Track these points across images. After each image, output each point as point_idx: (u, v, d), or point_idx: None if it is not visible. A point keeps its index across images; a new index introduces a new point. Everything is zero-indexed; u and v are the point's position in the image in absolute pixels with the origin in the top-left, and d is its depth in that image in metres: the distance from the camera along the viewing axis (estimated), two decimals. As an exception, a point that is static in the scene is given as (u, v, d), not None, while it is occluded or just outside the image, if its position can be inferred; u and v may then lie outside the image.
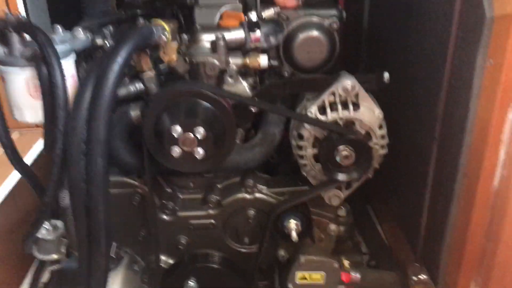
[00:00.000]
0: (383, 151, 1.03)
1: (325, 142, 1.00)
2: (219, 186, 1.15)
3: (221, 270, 1.15)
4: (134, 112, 1.00)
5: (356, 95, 1.00)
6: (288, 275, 1.06)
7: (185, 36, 1.02)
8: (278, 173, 1.19)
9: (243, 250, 1.18)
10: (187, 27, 1.14)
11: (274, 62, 1.01)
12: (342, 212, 1.19)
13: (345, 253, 1.21)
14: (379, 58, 1.29)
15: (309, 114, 1.00)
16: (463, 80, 0.86)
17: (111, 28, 1.09)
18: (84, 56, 1.01)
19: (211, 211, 1.13)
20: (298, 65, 1.05)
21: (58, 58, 0.87)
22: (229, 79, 0.97)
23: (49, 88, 0.88)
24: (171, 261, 1.17)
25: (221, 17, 1.07)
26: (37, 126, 0.95)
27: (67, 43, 0.94)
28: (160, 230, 1.12)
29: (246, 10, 1.05)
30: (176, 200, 1.14)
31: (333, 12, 1.06)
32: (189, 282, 1.13)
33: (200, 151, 0.92)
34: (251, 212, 1.14)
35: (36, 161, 1.37)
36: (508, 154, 0.83)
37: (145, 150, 0.97)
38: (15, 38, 0.88)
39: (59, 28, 0.97)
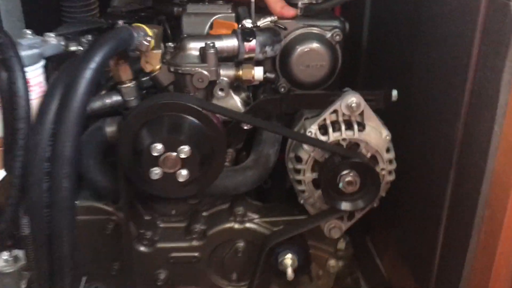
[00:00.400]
0: (390, 178, 0.92)
1: (326, 166, 0.89)
2: (204, 214, 1.03)
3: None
4: (110, 128, 0.89)
5: (361, 114, 0.89)
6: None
7: (170, 44, 0.91)
8: (272, 200, 1.07)
9: (230, 287, 1.06)
10: (174, 38, 1.03)
11: (270, 76, 0.90)
12: (341, 244, 1.07)
13: (344, 291, 1.10)
14: (380, 74, 1.18)
15: (308, 134, 0.89)
16: (487, 97, 0.76)
17: (89, 37, 0.98)
18: (58, 65, 0.90)
19: (195, 243, 1.01)
20: (296, 80, 0.95)
21: (20, 63, 0.76)
22: (220, 93, 0.86)
23: (9, 97, 0.76)
24: (148, 299, 1.04)
25: (211, 27, 0.96)
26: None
27: (35, 49, 0.83)
28: (136, 263, 0.99)
29: (238, 21, 0.95)
30: (155, 229, 1.02)
31: (335, 23, 0.97)
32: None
33: (183, 173, 0.80)
34: (241, 244, 1.02)
35: None
36: (540, 182, 0.72)
37: (120, 171, 0.85)
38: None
39: (28, 33, 0.86)
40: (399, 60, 1.06)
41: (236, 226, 1.00)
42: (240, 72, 0.87)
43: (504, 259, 0.79)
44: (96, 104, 0.86)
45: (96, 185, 0.93)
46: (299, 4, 0.96)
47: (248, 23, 0.90)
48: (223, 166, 0.86)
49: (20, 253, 0.97)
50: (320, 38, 0.95)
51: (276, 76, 0.93)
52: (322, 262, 1.02)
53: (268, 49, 0.90)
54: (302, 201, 0.96)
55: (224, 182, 0.92)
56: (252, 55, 0.89)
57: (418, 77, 0.99)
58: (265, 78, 0.89)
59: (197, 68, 0.84)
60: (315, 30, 0.95)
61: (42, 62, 0.84)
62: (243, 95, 0.92)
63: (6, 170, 0.83)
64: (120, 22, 0.91)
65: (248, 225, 1.00)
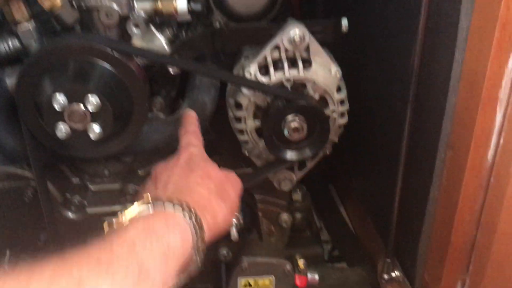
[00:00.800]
0: (342, 121, 0.81)
1: (268, 111, 0.77)
2: (140, 173, 0.91)
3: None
4: (11, 80, 0.74)
5: (307, 49, 0.77)
6: (229, 282, 0.84)
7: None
8: (216, 153, 0.95)
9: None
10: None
11: (197, 7, 0.76)
12: (297, 195, 0.97)
13: (302, 245, 1.01)
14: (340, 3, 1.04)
15: (247, 75, 0.76)
16: (447, 18, 0.64)
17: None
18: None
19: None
20: (231, 11, 0.81)
21: None
22: (134, 30, 0.72)
23: None
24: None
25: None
26: None
27: None
28: (65, 232, 0.88)
29: None
30: (85, 193, 0.90)
31: None
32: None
33: (95, 129, 0.67)
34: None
35: None
36: (508, 116, 0.62)
37: (24, 129, 0.72)
38: None
39: None
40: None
41: (175, 184, 0.89)
42: (159, 4, 0.73)
43: (469, 204, 0.70)
44: (-11, 51, 0.72)
45: (4, 147, 0.80)
46: None
47: None
48: (144, 119, 0.73)
49: None
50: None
51: (206, 9, 0.79)
52: (274, 217, 0.92)
53: (194, -27, 0.76)
54: (246, 153, 0.85)
55: (154, 135, 0.81)
56: (173, -18, 0.75)
57: (372, 3, 0.86)
58: (191, 10, 0.75)
59: (104, 1, 0.70)
60: None
61: None
62: (168, 32, 0.78)
63: None
64: None
65: (188, 182, 0.89)
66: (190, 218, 0.53)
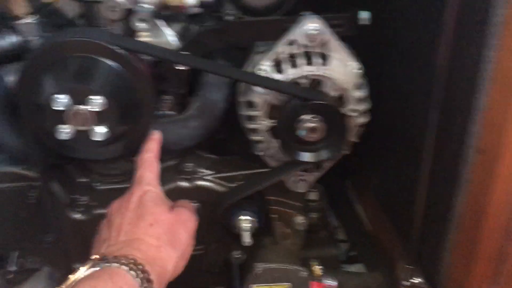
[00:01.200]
0: (363, 120, 0.77)
1: (283, 110, 0.73)
2: (149, 172, 0.87)
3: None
4: (11, 78, 0.71)
5: (324, 44, 0.72)
6: (242, 289, 0.80)
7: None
8: (228, 153, 0.91)
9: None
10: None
11: (208, -1, 0.72)
12: (313, 195, 0.93)
13: (317, 246, 0.97)
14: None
15: (259, 72, 0.72)
16: (475, 9, 0.59)
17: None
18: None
19: (139, 206, 0.86)
20: (244, 3, 0.76)
21: None
22: (140, 25, 0.68)
23: None
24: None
25: None
26: None
27: None
28: (72, 233, 0.85)
29: None
30: (92, 193, 0.86)
31: None
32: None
33: (100, 131, 0.64)
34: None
35: None
36: (545, 119, 0.56)
37: (25, 130, 0.68)
38: None
39: None
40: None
41: (185, 184, 0.84)
42: (167, -3, 0.69)
43: (499, 211, 0.66)
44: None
45: (6, 146, 0.77)
46: None
47: None
48: (152, 118, 0.70)
49: None
50: None
51: (217, 1, 0.74)
52: (288, 219, 0.88)
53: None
54: (259, 153, 0.81)
55: (163, 135, 0.77)
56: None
57: None
58: (201, 3, 0.71)
59: (107, -6, 0.66)
60: None
61: None
62: (178, 27, 0.73)
63: None
64: None
65: (199, 182, 0.85)
66: (137, 276, 0.55)
